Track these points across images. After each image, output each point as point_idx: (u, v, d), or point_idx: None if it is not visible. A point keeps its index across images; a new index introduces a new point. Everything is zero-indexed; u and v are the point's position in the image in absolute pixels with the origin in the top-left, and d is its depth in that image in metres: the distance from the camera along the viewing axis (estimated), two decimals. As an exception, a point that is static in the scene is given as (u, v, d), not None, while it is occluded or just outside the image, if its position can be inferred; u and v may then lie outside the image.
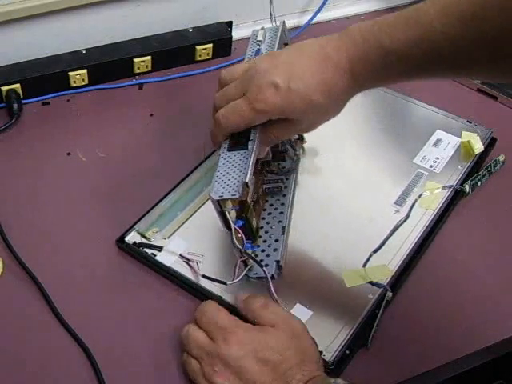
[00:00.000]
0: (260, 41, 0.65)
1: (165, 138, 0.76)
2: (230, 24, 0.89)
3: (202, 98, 0.82)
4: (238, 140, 0.57)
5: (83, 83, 0.81)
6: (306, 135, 0.72)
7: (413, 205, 0.67)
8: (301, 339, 0.52)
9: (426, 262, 0.64)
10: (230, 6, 0.89)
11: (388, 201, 0.68)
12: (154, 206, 0.66)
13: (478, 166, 0.74)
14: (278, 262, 0.58)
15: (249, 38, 0.67)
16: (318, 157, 0.73)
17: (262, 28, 0.67)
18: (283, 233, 0.61)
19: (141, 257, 0.62)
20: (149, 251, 0.62)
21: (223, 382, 0.50)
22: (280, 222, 0.63)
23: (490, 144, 0.76)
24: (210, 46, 0.86)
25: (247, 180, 0.53)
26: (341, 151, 0.74)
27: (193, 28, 0.87)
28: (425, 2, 0.52)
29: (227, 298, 0.58)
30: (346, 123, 0.77)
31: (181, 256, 0.61)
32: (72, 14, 0.79)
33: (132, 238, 0.63)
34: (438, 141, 0.75)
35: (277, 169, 0.67)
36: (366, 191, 0.69)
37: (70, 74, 0.79)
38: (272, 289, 0.56)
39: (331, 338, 0.55)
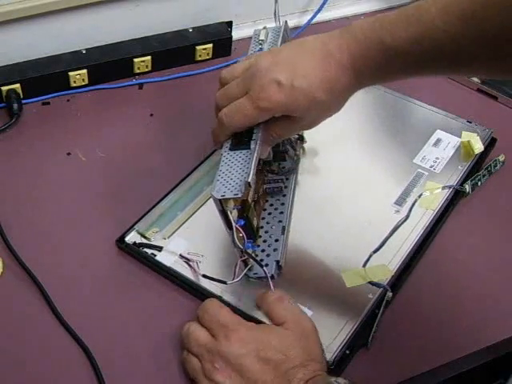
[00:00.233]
0: (262, 40, 0.65)
1: (165, 138, 0.76)
2: (230, 24, 0.89)
3: (202, 98, 0.82)
4: (241, 139, 0.57)
5: (83, 83, 0.81)
6: (306, 135, 0.72)
7: (413, 205, 0.67)
8: (308, 339, 0.52)
9: (426, 262, 0.64)
10: (230, 5, 0.89)
11: (388, 201, 0.68)
12: (154, 206, 0.66)
13: (478, 166, 0.74)
14: (277, 261, 0.58)
15: (249, 38, 0.67)
16: (318, 157, 0.73)
17: (265, 27, 0.67)
18: (283, 233, 0.61)
19: (141, 257, 0.62)
20: (149, 251, 0.62)
21: (224, 380, 0.50)
22: (280, 221, 0.63)
23: (490, 144, 0.76)
24: (210, 46, 0.86)
25: (250, 179, 0.53)
26: (341, 151, 0.74)
27: (193, 28, 0.87)
28: (426, 1, 0.52)
29: (227, 298, 0.58)
30: (346, 123, 0.77)
31: (181, 256, 0.61)
32: (72, 14, 0.79)
33: (132, 238, 0.63)
34: (438, 141, 0.75)
35: (277, 169, 0.67)
36: (366, 191, 0.69)
37: (70, 73, 0.79)
38: (272, 288, 0.56)
39: (331, 337, 0.55)
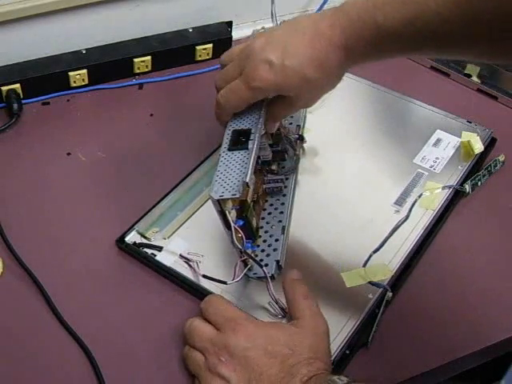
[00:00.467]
0: None
1: (165, 138, 0.76)
2: (230, 24, 0.89)
3: (202, 98, 0.82)
4: (239, 139, 0.58)
5: (83, 83, 0.81)
6: (306, 135, 0.72)
7: (413, 205, 0.67)
8: (318, 339, 0.52)
9: (426, 262, 0.64)
10: (230, 5, 0.89)
11: (388, 201, 0.68)
12: (154, 206, 0.66)
13: (478, 166, 0.74)
14: (277, 261, 0.58)
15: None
16: (318, 157, 0.73)
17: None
18: (283, 233, 0.61)
19: (141, 257, 0.62)
20: (149, 251, 0.62)
21: (229, 373, 0.50)
22: (280, 221, 0.63)
23: (490, 144, 0.76)
24: (210, 46, 0.86)
25: (247, 180, 0.53)
26: (341, 151, 0.74)
27: (193, 28, 0.87)
28: None
29: (227, 298, 0.58)
30: (346, 123, 0.77)
31: (181, 256, 0.61)
32: (72, 14, 0.79)
33: (132, 238, 0.63)
34: (438, 141, 0.75)
35: (277, 168, 0.67)
36: (366, 191, 0.69)
37: (70, 74, 0.79)
38: (272, 288, 0.56)
39: (331, 337, 0.55)
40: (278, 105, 0.59)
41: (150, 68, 0.84)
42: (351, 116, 0.79)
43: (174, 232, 0.64)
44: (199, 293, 0.59)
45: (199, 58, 0.86)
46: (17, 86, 0.77)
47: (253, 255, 0.57)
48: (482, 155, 0.74)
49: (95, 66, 0.80)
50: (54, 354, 0.55)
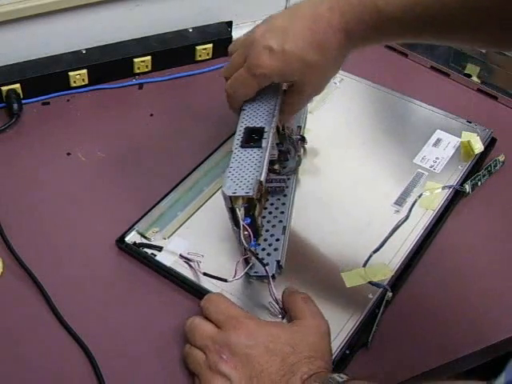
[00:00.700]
0: None
1: (165, 138, 0.76)
2: (229, 24, 0.89)
3: (202, 98, 0.82)
4: (251, 137, 0.58)
5: (83, 83, 0.81)
6: (306, 136, 0.72)
7: (413, 205, 0.67)
8: (319, 338, 0.52)
9: (425, 261, 0.64)
10: (230, 5, 0.89)
11: (388, 201, 0.68)
12: (154, 206, 0.66)
13: (478, 166, 0.74)
14: (278, 261, 0.59)
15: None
16: (318, 157, 0.73)
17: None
18: (284, 232, 0.61)
19: (141, 257, 0.62)
20: (149, 251, 0.62)
21: (230, 371, 0.50)
22: (281, 221, 0.63)
23: (490, 144, 0.76)
24: (210, 46, 0.86)
25: (262, 179, 0.53)
26: (341, 151, 0.74)
27: (193, 28, 0.87)
28: None
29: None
30: (346, 123, 0.77)
31: (181, 256, 0.61)
32: (72, 14, 0.79)
33: (132, 238, 0.63)
34: (438, 141, 0.75)
35: (279, 168, 0.67)
36: (366, 191, 0.69)
37: (70, 73, 0.79)
38: (273, 288, 0.56)
39: (331, 337, 0.55)
40: (289, 96, 0.60)
41: (149, 68, 0.84)
42: (351, 116, 0.79)
43: (173, 232, 0.64)
44: (199, 293, 0.59)
45: (199, 58, 0.86)
46: (17, 86, 0.77)
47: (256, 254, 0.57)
48: (482, 155, 0.74)
49: (95, 66, 0.80)
50: (54, 354, 0.55)
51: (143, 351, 0.56)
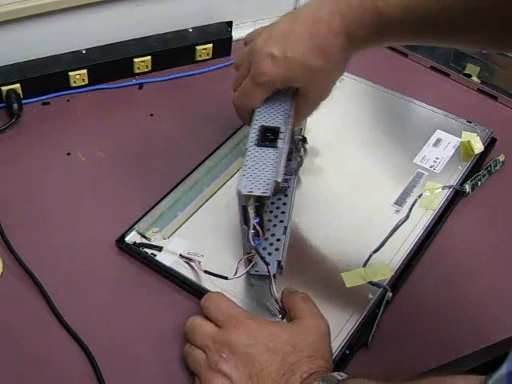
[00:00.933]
0: None
1: (165, 137, 0.76)
2: (230, 24, 0.89)
3: (202, 98, 0.82)
4: (266, 136, 0.57)
5: (83, 83, 0.81)
6: (306, 136, 0.72)
7: (413, 205, 0.67)
8: (319, 338, 0.52)
9: (426, 261, 0.64)
10: (230, 5, 0.89)
11: (388, 201, 0.68)
12: (154, 206, 0.66)
13: (478, 166, 0.74)
14: (279, 262, 0.59)
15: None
16: (319, 157, 0.73)
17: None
18: (285, 233, 0.61)
19: (141, 257, 0.62)
20: (149, 251, 0.62)
21: (230, 370, 0.50)
22: (282, 221, 0.63)
23: (490, 144, 0.76)
24: (210, 46, 0.86)
25: (279, 180, 0.53)
26: (341, 152, 0.74)
27: (193, 28, 0.87)
28: None
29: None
30: (346, 123, 0.77)
31: (181, 256, 0.61)
32: (72, 13, 0.79)
33: (132, 238, 0.63)
34: (438, 141, 0.75)
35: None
36: (366, 191, 0.69)
37: (70, 73, 0.79)
38: (274, 287, 0.56)
39: (331, 337, 0.55)
40: (295, 101, 0.60)
41: (149, 68, 0.84)
42: (351, 116, 0.79)
43: (173, 232, 0.64)
44: (199, 293, 0.59)
45: (199, 58, 0.86)
46: (17, 86, 0.77)
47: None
48: (482, 155, 0.74)
49: (95, 66, 0.80)
50: (54, 354, 0.55)
51: (143, 351, 0.56)
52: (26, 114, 0.77)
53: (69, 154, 0.73)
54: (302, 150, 0.71)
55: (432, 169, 0.72)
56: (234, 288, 0.59)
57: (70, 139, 0.75)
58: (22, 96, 0.77)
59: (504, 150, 0.76)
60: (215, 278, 0.59)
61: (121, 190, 0.70)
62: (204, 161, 0.71)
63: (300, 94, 0.59)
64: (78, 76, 0.79)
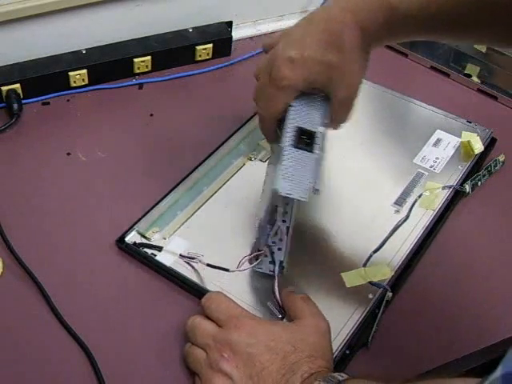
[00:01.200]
0: None
1: (165, 138, 0.76)
2: (230, 24, 0.89)
3: (201, 98, 0.82)
4: (302, 137, 0.57)
5: (83, 83, 0.81)
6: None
7: (413, 205, 0.67)
8: (320, 337, 0.53)
9: (426, 261, 0.64)
10: (230, 5, 0.89)
11: (388, 201, 0.68)
12: (154, 206, 0.66)
13: (478, 166, 0.74)
14: (281, 262, 0.59)
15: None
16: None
17: None
18: (287, 233, 0.61)
19: (141, 257, 0.62)
20: (149, 251, 0.62)
21: (231, 369, 0.50)
22: (284, 221, 0.63)
23: (490, 144, 0.76)
24: (210, 46, 0.86)
25: (318, 187, 0.54)
26: (341, 151, 0.74)
27: (193, 28, 0.87)
28: None
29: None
30: (347, 123, 0.77)
31: (181, 256, 0.61)
32: (72, 13, 0.79)
33: (132, 238, 0.63)
34: (438, 141, 0.75)
35: None
36: (366, 191, 0.69)
37: (70, 73, 0.79)
38: (276, 287, 0.56)
39: (331, 337, 0.55)
40: (329, 105, 0.59)
41: (149, 68, 0.84)
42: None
43: (173, 232, 0.64)
44: (199, 293, 0.59)
45: (199, 58, 0.86)
46: (17, 85, 0.77)
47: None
48: (482, 155, 0.74)
49: (95, 66, 0.80)
50: (54, 354, 0.55)
51: (143, 351, 0.56)
52: (26, 114, 0.77)
53: (69, 153, 0.73)
54: None
55: (432, 169, 0.72)
56: (234, 288, 0.59)
57: (70, 139, 0.75)
58: (21, 96, 0.77)
59: (504, 150, 0.76)
60: (215, 277, 0.59)
61: (121, 190, 0.70)
62: (204, 161, 0.71)
63: (329, 96, 0.58)
64: (78, 76, 0.79)
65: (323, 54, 0.55)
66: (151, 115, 0.79)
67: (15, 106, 0.76)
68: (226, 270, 0.58)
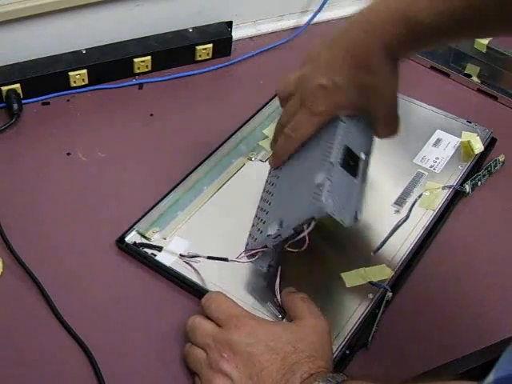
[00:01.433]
0: None
1: (165, 137, 0.76)
2: (230, 24, 0.89)
3: (201, 98, 0.82)
4: (348, 159, 0.57)
5: (83, 83, 0.81)
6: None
7: (413, 205, 0.67)
8: (320, 337, 0.53)
9: (426, 261, 0.64)
10: (229, 6, 0.89)
11: (388, 201, 0.68)
12: (154, 206, 0.66)
13: (478, 166, 0.74)
14: (270, 262, 0.59)
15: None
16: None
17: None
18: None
19: (141, 257, 0.62)
20: (149, 251, 0.62)
21: (231, 369, 0.50)
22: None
23: (490, 144, 0.76)
24: (210, 46, 0.86)
25: (359, 217, 0.54)
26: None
27: (193, 28, 0.87)
28: None
29: (227, 297, 0.58)
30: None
31: (181, 256, 0.61)
32: (72, 14, 0.79)
33: (132, 238, 0.63)
34: (438, 141, 0.75)
35: None
36: (366, 191, 0.69)
37: (70, 73, 0.79)
38: (277, 287, 0.57)
39: (331, 337, 0.55)
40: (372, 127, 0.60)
41: (150, 68, 0.84)
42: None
43: (173, 232, 0.64)
44: (199, 293, 0.59)
45: (199, 58, 0.86)
46: (17, 85, 0.77)
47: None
48: (482, 155, 0.74)
49: (95, 66, 0.80)
50: (54, 354, 0.55)
51: (143, 351, 0.56)
52: (26, 114, 0.77)
53: (69, 153, 0.73)
54: None
55: (432, 169, 0.72)
56: (234, 288, 0.59)
57: (70, 139, 0.75)
58: (22, 96, 0.77)
59: (504, 150, 0.76)
60: (215, 278, 0.60)
61: (121, 190, 0.70)
62: (204, 161, 0.71)
63: (370, 117, 0.59)
64: (78, 76, 0.79)
65: (355, 78, 0.55)
66: (151, 115, 0.79)
67: (15, 105, 0.76)
68: (225, 259, 0.58)
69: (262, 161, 0.72)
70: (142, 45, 0.84)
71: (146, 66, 0.84)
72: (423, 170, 0.72)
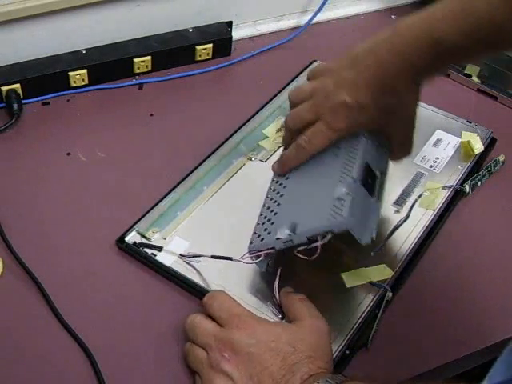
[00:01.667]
0: None
1: (165, 138, 0.76)
2: (230, 24, 0.89)
3: (202, 98, 0.82)
4: (367, 177, 0.57)
5: (83, 83, 0.81)
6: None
7: (413, 205, 0.67)
8: (319, 338, 0.53)
9: (426, 261, 0.64)
10: (229, 5, 0.89)
11: (388, 201, 0.68)
12: (154, 206, 0.66)
13: (478, 166, 0.74)
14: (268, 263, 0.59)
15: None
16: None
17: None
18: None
19: (141, 257, 0.62)
20: (149, 251, 0.62)
21: (231, 370, 0.50)
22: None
23: (490, 144, 0.76)
24: (210, 46, 0.86)
25: (374, 237, 0.54)
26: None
27: (193, 28, 0.87)
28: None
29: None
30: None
31: (181, 256, 0.61)
32: (72, 13, 0.79)
33: (132, 238, 0.63)
34: (438, 141, 0.75)
35: None
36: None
37: (70, 74, 0.79)
38: (276, 287, 0.57)
39: (331, 338, 0.55)
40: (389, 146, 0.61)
41: (150, 68, 0.84)
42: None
43: (173, 232, 0.64)
44: (199, 293, 0.59)
45: (199, 58, 0.86)
46: (17, 85, 0.77)
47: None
48: (482, 155, 0.74)
49: (95, 66, 0.80)
50: (54, 354, 0.55)
51: (143, 351, 0.56)
52: (26, 114, 0.77)
53: (69, 153, 0.73)
54: None
55: (432, 169, 0.72)
56: (234, 288, 0.59)
57: (70, 139, 0.75)
58: (22, 96, 0.77)
59: (504, 150, 0.76)
60: (215, 278, 0.60)
61: (121, 190, 0.70)
62: (204, 161, 0.71)
63: (388, 138, 0.59)
64: (78, 76, 0.79)
65: (378, 100, 0.56)
66: (151, 115, 0.79)
67: (15, 105, 0.76)
68: (229, 258, 0.58)
69: (262, 161, 0.72)
70: (141, 45, 0.84)
71: (146, 66, 0.84)
72: (423, 170, 0.72)
